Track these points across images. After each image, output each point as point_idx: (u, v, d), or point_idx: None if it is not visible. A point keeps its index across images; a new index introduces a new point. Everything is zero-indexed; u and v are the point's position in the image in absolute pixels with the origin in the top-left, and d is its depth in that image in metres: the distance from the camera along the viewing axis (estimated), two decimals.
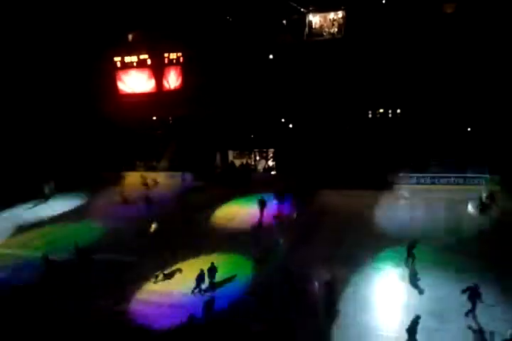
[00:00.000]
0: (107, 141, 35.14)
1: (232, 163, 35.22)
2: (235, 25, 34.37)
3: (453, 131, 29.53)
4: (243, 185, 31.09)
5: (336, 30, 32.98)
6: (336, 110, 32.30)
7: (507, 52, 28.46)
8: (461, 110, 29.53)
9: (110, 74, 34.65)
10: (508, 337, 12.80)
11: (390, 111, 32.12)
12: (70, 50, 33.50)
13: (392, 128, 31.43)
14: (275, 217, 24.59)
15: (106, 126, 34.90)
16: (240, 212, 26.13)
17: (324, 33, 33.11)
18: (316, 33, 33.33)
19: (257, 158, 35.64)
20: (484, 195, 23.67)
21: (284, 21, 33.57)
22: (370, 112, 32.34)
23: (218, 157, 35.42)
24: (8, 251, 22.40)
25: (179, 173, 33.18)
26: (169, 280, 18.27)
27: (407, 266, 17.92)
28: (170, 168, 34.60)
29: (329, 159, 31.10)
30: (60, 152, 33.90)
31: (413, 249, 17.68)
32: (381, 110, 32.28)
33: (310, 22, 33.17)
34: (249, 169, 34.41)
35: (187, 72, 35.47)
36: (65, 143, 34.56)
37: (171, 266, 19.30)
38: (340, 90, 31.94)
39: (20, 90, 33.38)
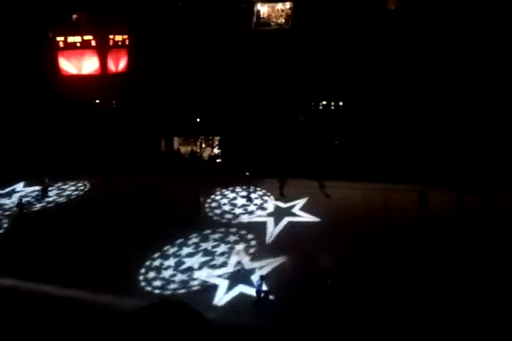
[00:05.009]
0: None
1: (178, 150, 35.18)
2: (185, 10, 34.05)
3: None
4: (189, 172, 31.21)
5: (284, 20, 33.28)
6: (280, 100, 32.79)
7: (449, 48, 29.80)
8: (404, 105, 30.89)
9: (53, 55, 33.54)
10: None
11: (332, 104, 32.85)
12: (11, 29, 32.24)
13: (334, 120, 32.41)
14: None
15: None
16: None
17: (272, 23, 33.33)
18: (264, 23, 33.43)
19: (203, 145, 35.77)
20: None
21: (233, 9, 33.45)
22: (312, 104, 32.91)
23: (163, 143, 35.23)
24: None
25: None
26: None
27: None
28: None
29: (274, 148, 31.88)
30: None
31: None
32: (324, 102, 32.97)
33: (258, 11, 33.27)
34: (196, 156, 34.47)
35: (133, 55, 34.78)
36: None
37: None
38: (285, 81, 32.47)
39: None
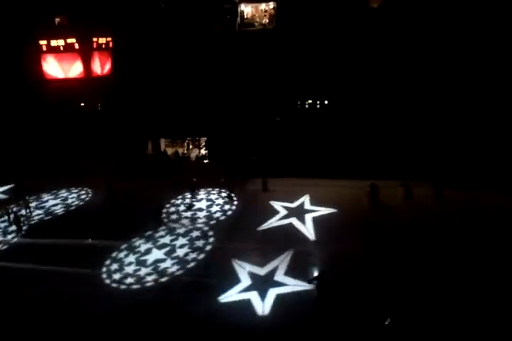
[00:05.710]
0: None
1: (165, 151, 35.05)
2: (168, 12, 34.03)
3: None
4: (174, 173, 31.01)
5: (268, 21, 33.39)
6: (267, 100, 32.86)
7: (431, 45, 30.08)
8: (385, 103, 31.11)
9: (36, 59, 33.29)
10: None
11: (318, 102, 33.01)
12: None
13: (320, 119, 32.54)
14: None
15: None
16: None
17: (256, 24, 33.43)
18: (248, 23, 33.56)
19: (190, 146, 35.72)
20: None
21: (217, 10, 33.51)
22: (299, 103, 33.04)
23: (150, 145, 35.11)
24: None
25: None
26: None
27: None
28: None
29: (260, 148, 31.93)
30: None
31: None
32: (310, 101, 33.10)
33: (242, 12, 33.36)
34: (180, 158, 34.34)
35: (117, 57, 34.68)
36: None
37: None
38: (270, 81, 32.56)
39: None
